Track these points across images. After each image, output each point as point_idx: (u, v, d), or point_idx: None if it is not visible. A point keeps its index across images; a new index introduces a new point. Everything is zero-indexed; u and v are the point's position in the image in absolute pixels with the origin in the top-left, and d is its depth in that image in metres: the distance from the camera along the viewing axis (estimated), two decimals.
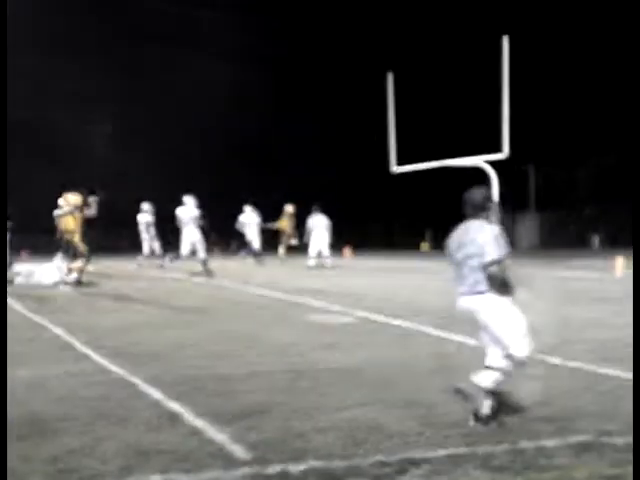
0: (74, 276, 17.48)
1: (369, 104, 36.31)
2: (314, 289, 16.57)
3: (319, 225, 25.81)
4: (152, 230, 25.65)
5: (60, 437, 5.31)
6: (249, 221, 27.43)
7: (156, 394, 6.53)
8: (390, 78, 30.36)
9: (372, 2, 44.43)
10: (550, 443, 5.12)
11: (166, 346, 9.03)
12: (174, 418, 5.80)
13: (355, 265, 26.43)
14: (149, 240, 25.63)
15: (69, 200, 17.50)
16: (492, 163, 27.51)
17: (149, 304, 13.80)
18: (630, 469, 4.60)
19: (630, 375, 7.19)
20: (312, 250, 25.63)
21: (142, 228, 25.70)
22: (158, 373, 7.41)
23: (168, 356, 8.37)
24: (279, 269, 24.03)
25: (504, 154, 25.75)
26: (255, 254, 27.36)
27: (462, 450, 4.99)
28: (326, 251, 25.67)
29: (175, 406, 6.12)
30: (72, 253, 17.39)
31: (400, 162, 30.76)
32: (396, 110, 30.61)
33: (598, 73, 44.30)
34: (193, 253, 21.30)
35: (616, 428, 5.41)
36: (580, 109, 44.01)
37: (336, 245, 35.24)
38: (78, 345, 9.09)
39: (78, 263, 17.48)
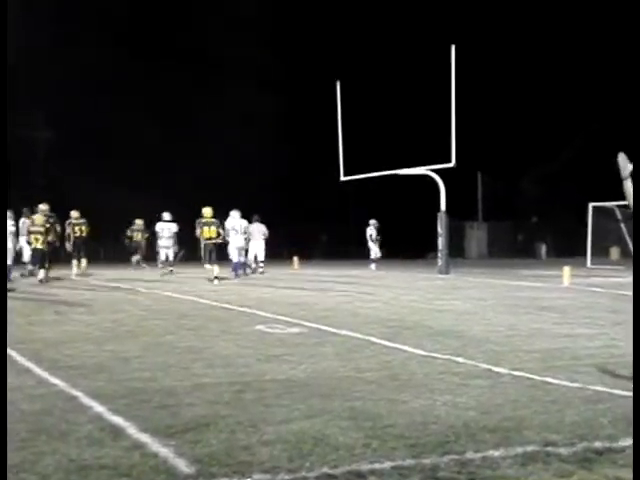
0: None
1: (319, 113, 36.34)
2: (261, 299, 16.50)
3: (257, 234, 27.13)
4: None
5: None
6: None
7: (98, 407, 6.39)
8: (338, 86, 30.53)
9: (320, 8, 44.57)
10: (496, 453, 5.11)
11: (108, 358, 8.87)
12: (117, 432, 5.68)
13: (304, 275, 26.38)
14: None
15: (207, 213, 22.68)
16: (440, 172, 27.73)
17: (91, 315, 13.58)
18: (575, 479, 4.62)
19: (575, 385, 7.25)
20: (250, 257, 26.92)
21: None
22: (100, 386, 7.27)
23: (110, 368, 8.22)
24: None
25: (452, 163, 26.03)
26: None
27: (408, 462, 4.95)
28: (261, 257, 27.14)
29: (118, 420, 5.99)
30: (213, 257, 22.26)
31: (350, 170, 30.88)
32: (345, 118, 30.72)
33: (538, 81, 44.94)
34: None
35: (561, 438, 5.42)
36: (523, 118, 44.57)
37: (286, 255, 35.33)
38: (18, 357, 8.88)
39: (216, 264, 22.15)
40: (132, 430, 5.70)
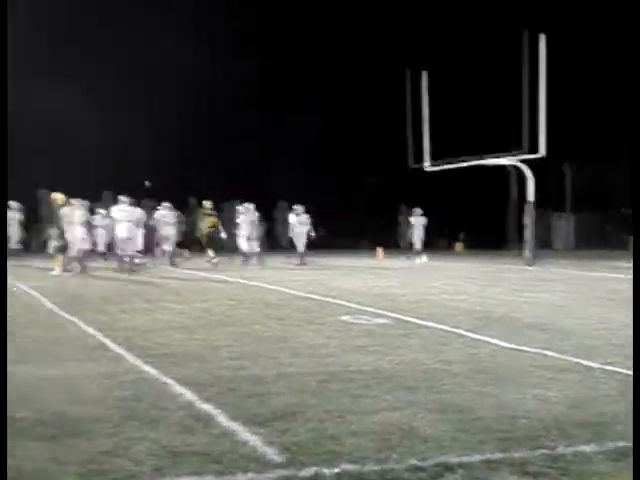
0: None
1: (387, 103, 36.34)
2: (347, 290, 16.52)
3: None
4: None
5: (92, 438, 5.28)
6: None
7: (189, 395, 6.49)
8: (425, 76, 30.30)
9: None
10: (587, 448, 5.02)
11: (198, 347, 9.00)
12: (207, 419, 5.76)
13: (388, 266, 26.31)
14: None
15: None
16: (528, 162, 27.31)
17: (180, 304, 13.79)
18: None
19: None
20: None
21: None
22: (191, 374, 7.38)
23: (200, 357, 8.33)
24: (304, 269, 24.06)
25: (541, 153, 25.56)
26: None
27: (498, 455, 4.91)
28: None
29: (208, 407, 6.08)
30: None
31: (420, 158, 30.63)
32: (420, 108, 30.51)
33: (627, 65, 43.85)
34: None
35: None
36: (610, 106, 43.57)
37: (368, 245, 35.32)
38: (111, 345, 9.08)
39: None
40: (222, 418, 5.77)
